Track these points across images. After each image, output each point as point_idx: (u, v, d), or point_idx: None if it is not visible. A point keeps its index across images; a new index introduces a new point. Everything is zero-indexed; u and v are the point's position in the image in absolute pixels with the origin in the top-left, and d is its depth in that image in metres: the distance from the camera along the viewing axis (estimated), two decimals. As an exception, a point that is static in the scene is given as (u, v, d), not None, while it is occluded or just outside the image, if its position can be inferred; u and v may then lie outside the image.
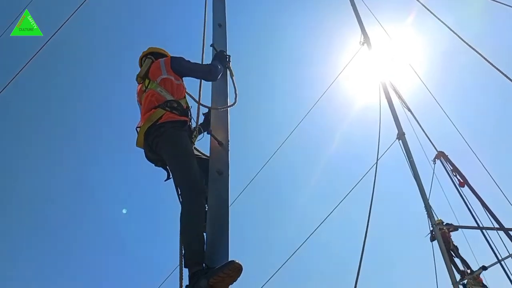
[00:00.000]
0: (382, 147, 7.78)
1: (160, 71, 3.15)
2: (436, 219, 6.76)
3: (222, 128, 3.13)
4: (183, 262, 2.44)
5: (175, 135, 2.85)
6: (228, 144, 3.05)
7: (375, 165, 7.36)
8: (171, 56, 3.30)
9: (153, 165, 3.03)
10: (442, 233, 10.65)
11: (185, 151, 2.83)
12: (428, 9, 6.53)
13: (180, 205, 2.64)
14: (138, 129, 3.03)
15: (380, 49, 9.24)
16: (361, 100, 11.29)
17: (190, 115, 3.12)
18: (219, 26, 3.86)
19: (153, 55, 3.43)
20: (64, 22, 5.55)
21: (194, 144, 3.08)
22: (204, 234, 2.56)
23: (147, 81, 3.22)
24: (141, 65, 3.42)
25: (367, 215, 6.42)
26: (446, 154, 8.24)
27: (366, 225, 6.20)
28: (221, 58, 3.44)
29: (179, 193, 2.72)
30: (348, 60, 9.80)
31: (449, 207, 8.72)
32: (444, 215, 9.44)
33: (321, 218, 8.18)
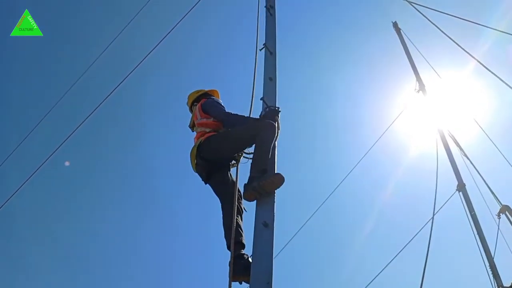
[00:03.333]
0: (440, 198, 7.42)
1: (197, 117, 3.72)
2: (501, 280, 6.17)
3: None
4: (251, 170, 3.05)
5: (218, 135, 3.45)
6: (275, 194, 3.06)
7: (431, 220, 7.01)
8: (202, 103, 3.77)
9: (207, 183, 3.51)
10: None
11: (230, 131, 3.42)
12: (486, 67, 6.20)
13: None
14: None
15: (436, 97, 9.04)
16: (417, 148, 10.92)
17: None
18: (270, 80, 3.98)
19: (202, 96, 3.99)
20: (150, 52, 6.01)
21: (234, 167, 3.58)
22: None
23: (194, 127, 3.78)
24: (190, 105, 4.06)
25: (422, 273, 6.06)
26: (512, 209, 7.63)
27: (420, 283, 5.84)
28: (270, 113, 3.43)
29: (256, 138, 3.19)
30: (401, 106, 9.66)
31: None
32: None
33: (373, 273, 7.81)
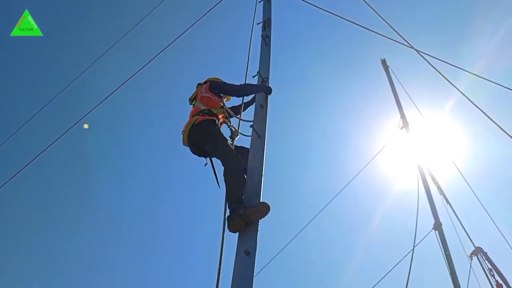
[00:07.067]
0: (420, 234, 7.54)
1: (201, 92, 4.21)
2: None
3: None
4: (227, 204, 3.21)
5: (207, 126, 3.81)
6: (259, 223, 3.08)
7: (411, 252, 7.11)
8: (210, 82, 4.29)
9: (198, 157, 3.93)
10: None
11: (216, 134, 3.75)
12: (467, 97, 6.36)
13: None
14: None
15: (418, 135, 9.28)
16: (399, 183, 11.09)
17: (227, 121, 4.13)
18: (261, 107, 4.08)
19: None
20: (167, 45, 6.03)
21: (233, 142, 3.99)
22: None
23: (195, 101, 4.24)
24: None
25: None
26: (485, 251, 7.77)
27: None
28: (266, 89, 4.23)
29: (221, 162, 3.57)
30: (385, 142, 9.87)
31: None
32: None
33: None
